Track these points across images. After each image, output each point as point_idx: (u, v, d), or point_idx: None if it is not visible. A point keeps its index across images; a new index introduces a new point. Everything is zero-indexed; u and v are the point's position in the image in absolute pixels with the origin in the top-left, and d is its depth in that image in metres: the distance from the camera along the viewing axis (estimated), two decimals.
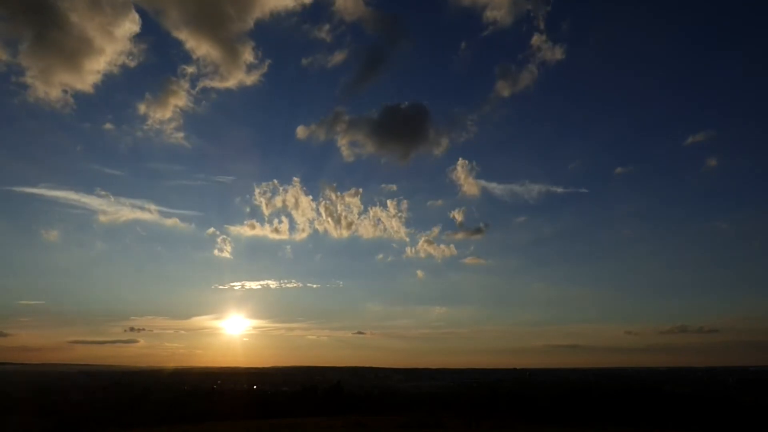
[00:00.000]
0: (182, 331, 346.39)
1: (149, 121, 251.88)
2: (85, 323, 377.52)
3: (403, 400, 79.30)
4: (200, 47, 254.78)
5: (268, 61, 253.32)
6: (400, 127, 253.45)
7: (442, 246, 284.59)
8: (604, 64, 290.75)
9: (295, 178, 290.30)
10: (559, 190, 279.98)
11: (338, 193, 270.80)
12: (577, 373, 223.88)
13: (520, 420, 51.80)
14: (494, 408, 56.84)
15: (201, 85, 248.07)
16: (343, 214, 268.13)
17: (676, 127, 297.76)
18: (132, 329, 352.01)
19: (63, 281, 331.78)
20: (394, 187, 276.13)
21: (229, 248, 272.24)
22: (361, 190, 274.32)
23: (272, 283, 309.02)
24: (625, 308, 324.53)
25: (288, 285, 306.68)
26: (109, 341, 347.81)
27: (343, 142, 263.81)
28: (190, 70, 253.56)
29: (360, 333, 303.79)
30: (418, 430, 42.34)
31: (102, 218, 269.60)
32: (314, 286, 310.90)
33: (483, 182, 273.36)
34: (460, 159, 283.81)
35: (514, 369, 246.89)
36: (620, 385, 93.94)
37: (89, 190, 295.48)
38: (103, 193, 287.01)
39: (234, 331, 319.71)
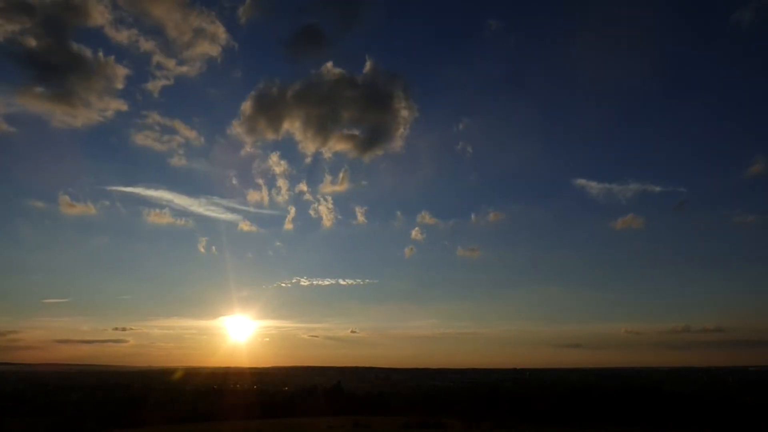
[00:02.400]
0: (173, 332, 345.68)
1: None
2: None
3: (403, 400, 79.31)
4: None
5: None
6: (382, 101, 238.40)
7: (439, 241, 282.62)
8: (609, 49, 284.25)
9: (273, 156, 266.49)
10: (561, 182, 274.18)
11: (324, 181, 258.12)
12: (577, 373, 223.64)
13: (520, 420, 51.88)
14: (494, 408, 56.85)
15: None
16: (335, 208, 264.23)
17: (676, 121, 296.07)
18: (120, 329, 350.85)
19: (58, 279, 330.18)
20: (383, 176, 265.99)
21: (226, 246, 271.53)
22: (348, 177, 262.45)
23: (271, 283, 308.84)
24: (626, 308, 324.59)
25: (287, 284, 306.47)
26: (110, 340, 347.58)
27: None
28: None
29: (353, 332, 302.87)
30: (418, 430, 42.47)
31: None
32: (312, 284, 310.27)
33: (481, 170, 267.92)
34: (456, 143, 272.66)
35: (514, 369, 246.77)
36: (620, 385, 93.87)
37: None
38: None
39: (234, 331, 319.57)
